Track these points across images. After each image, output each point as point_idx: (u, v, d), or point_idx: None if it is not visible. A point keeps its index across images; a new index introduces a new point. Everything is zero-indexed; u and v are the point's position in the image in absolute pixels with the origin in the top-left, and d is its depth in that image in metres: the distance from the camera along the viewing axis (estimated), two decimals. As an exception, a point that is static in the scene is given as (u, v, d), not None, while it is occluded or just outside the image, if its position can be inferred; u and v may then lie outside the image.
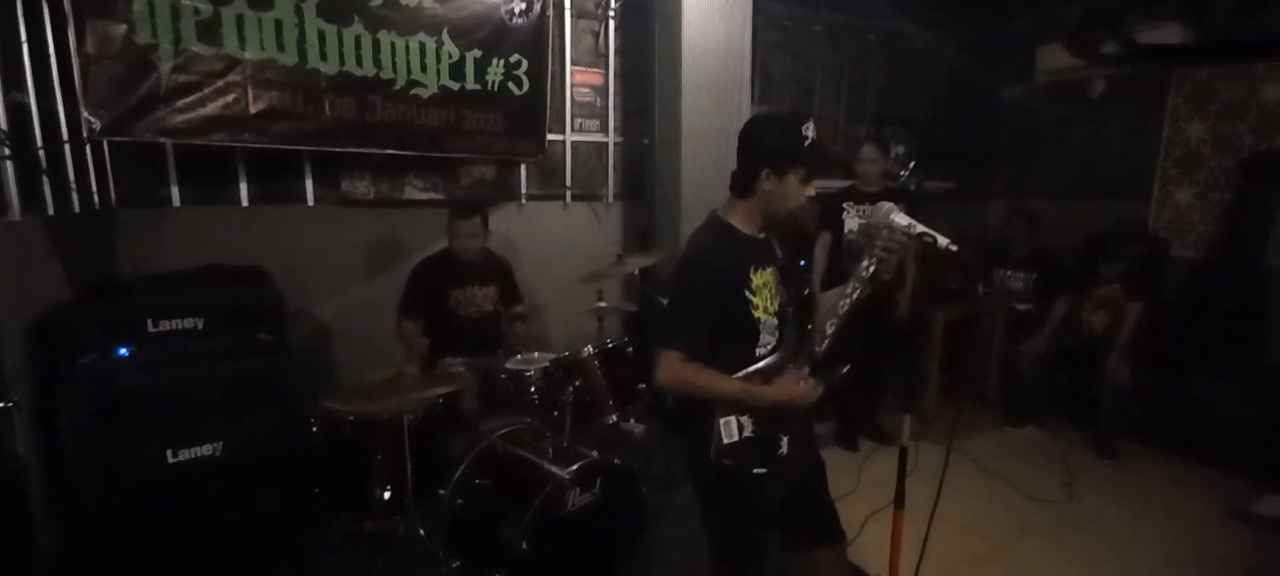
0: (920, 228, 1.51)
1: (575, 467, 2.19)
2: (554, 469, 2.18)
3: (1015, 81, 4.74)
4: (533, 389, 2.63)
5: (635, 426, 2.98)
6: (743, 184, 1.62)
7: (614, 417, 2.61)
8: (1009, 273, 4.30)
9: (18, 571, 1.90)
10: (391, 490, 2.47)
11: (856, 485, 3.06)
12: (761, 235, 1.68)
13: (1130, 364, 3.50)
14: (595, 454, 2.30)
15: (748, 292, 1.59)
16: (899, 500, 1.64)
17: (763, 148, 1.59)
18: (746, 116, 3.55)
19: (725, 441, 1.58)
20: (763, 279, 1.63)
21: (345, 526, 2.52)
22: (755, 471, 1.61)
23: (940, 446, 3.58)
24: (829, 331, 1.60)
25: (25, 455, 2.03)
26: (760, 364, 1.60)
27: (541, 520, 2.11)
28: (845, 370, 1.69)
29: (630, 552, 2.41)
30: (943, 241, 1.48)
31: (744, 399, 1.57)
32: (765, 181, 1.57)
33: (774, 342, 1.65)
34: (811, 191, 1.61)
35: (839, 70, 4.57)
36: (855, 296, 1.58)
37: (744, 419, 1.59)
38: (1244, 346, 3.66)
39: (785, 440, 1.64)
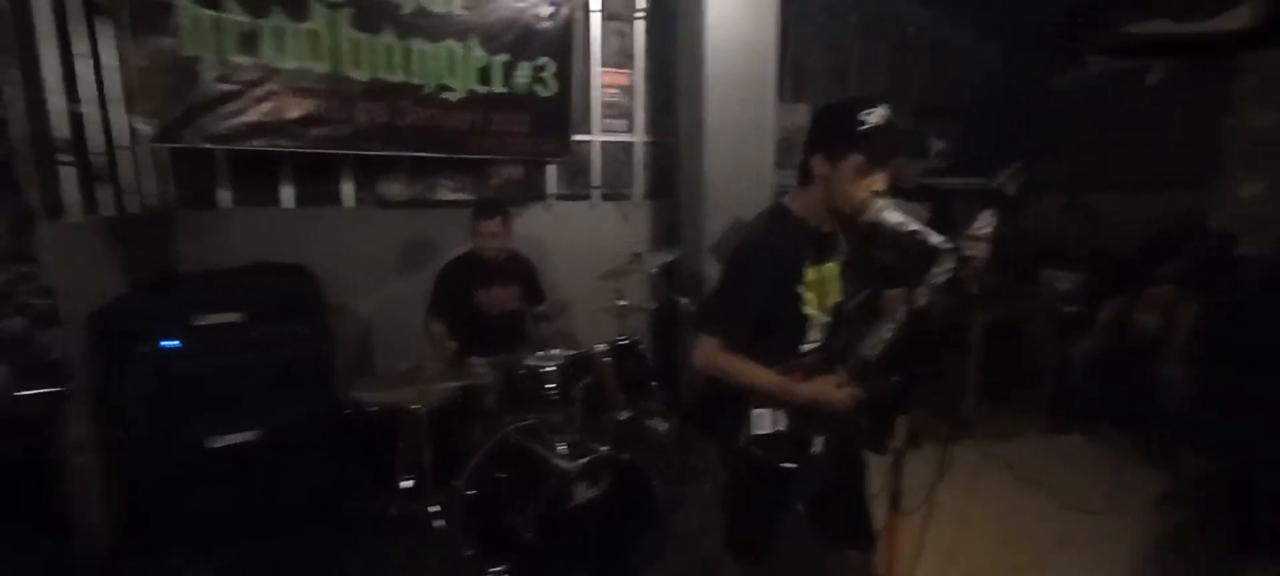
0: (913, 225, 1.46)
1: (582, 462, 2.22)
2: (561, 463, 2.23)
3: (1066, 69, 4.50)
4: (550, 385, 2.69)
5: (659, 424, 3.00)
6: (802, 170, 1.58)
7: (627, 413, 2.63)
8: (1057, 272, 4.09)
9: (56, 545, 2.09)
10: (413, 478, 2.57)
11: (881, 487, 2.99)
12: (826, 228, 1.60)
13: (1186, 368, 3.28)
14: (604, 449, 2.34)
15: (800, 287, 1.55)
16: (894, 503, 1.60)
17: (816, 131, 1.56)
18: (772, 116, 3.52)
19: (757, 432, 1.58)
20: (820, 274, 1.58)
21: (373, 511, 2.64)
22: (784, 465, 1.59)
23: (975, 452, 3.46)
24: (885, 337, 1.52)
25: (82, 438, 2.23)
26: (803, 361, 1.58)
27: (548, 512, 2.16)
28: (894, 380, 1.62)
29: (638, 546, 2.43)
30: (934, 239, 1.42)
31: (778, 393, 1.54)
32: (819, 167, 1.51)
33: (826, 341, 1.61)
34: (878, 183, 1.48)
35: (877, 61, 4.45)
36: (920, 304, 1.47)
37: (779, 413, 1.57)
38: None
39: (820, 439, 1.62)
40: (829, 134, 1.52)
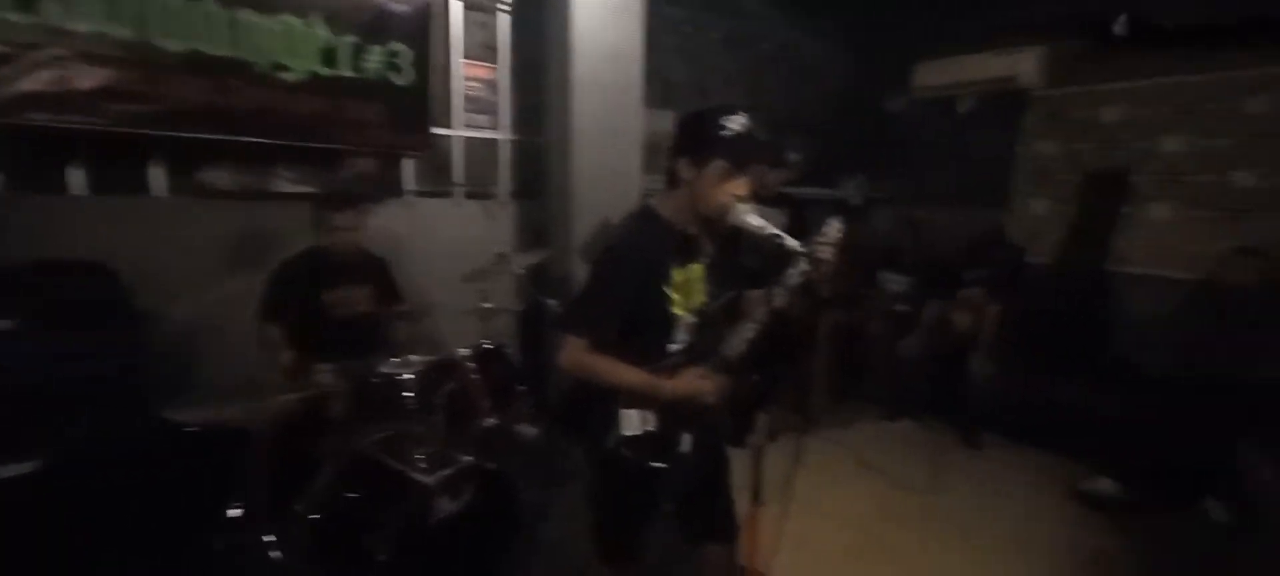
0: (771, 229, 1.53)
1: (444, 474, 2.10)
2: (420, 476, 2.08)
3: (897, 95, 5.02)
4: (409, 393, 2.51)
5: (527, 429, 2.92)
6: (669, 174, 1.60)
7: (493, 420, 2.53)
8: (892, 276, 4.56)
9: None
10: (243, 506, 2.28)
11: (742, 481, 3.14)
12: (691, 230, 1.63)
13: (993, 361, 3.78)
14: (468, 459, 2.22)
15: (667, 287, 1.56)
16: (755, 495, 1.67)
17: (681, 136, 1.59)
18: (639, 120, 3.57)
19: (625, 433, 1.58)
20: (686, 275, 1.61)
21: (192, 547, 2.30)
22: (652, 465, 1.60)
23: (825, 442, 3.74)
24: (747, 336, 1.58)
25: None
26: (669, 361, 1.59)
27: (406, 530, 2.01)
28: (755, 378, 1.68)
29: (507, 558, 2.34)
30: (790, 243, 1.50)
31: (646, 392, 1.55)
32: (685, 171, 1.54)
33: (691, 341, 1.63)
34: (740, 188, 1.52)
35: (736, 77, 4.68)
36: (777, 304, 1.54)
37: (647, 413, 1.58)
38: (1088, 344, 4.05)
39: (687, 438, 1.64)
40: (694, 139, 1.56)
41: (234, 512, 2.25)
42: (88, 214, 2.69)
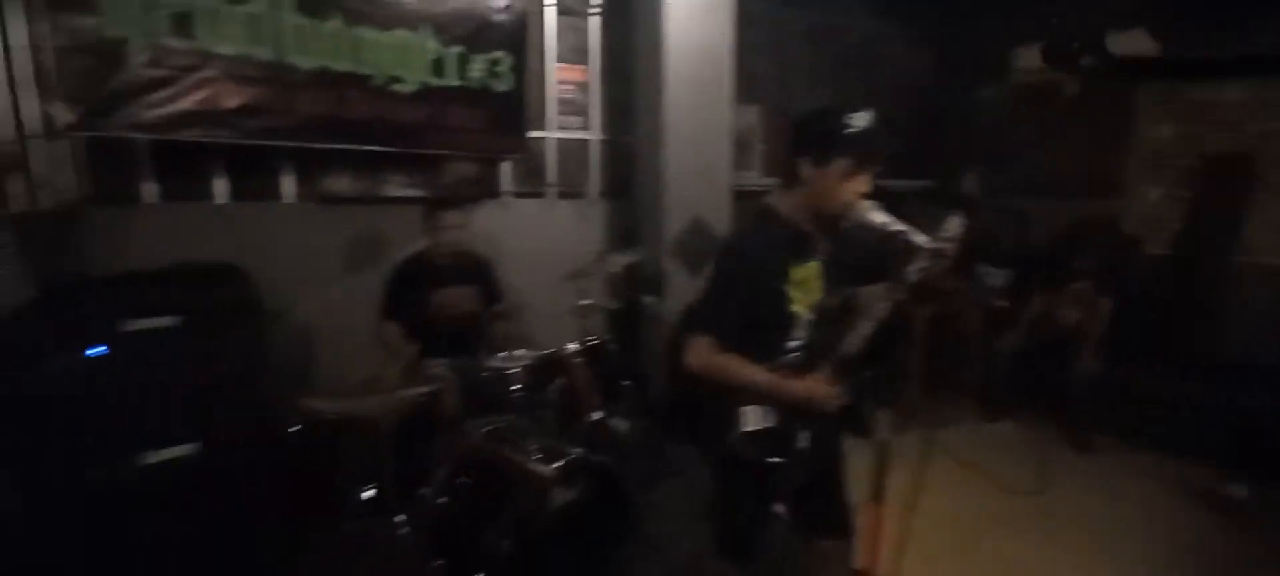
0: (897, 226, 1.52)
1: (558, 466, 2.18)
2: (537, 467, 2.18)
3: (991, 82, 4.81)
4: (516, 388, 2.62)
5: (621, 424, 2.99)
6: (788, 173, 1.61)
7: (599, 414, 2.61)
8: (989, 270, 4.37)
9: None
10: (373, 490, 2.45)
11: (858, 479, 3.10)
12: (808, 227, 1.64)
13: (1102, 358, 3.58)
14: (580, 452, 2.30)
15: (785, 286, 1.59)
16: (877, 495, 1.67)
17: (802, 135, 1.59)
18: (728, 116, 3.58)
19: (745, 428, 1.60)
20: (805, 273, 1.62)
21: (326, 528, 2.50)
22: (771, 460, 1.62)
23: (918, 440, 3.64)
24: (865, 332, 1.59)
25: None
26: (790, 358, 1.61)
27: (525, 519, 2.11)
28: (869, 376, 1.69)
29: (618, 551, 2.41)
30: (918, 239, 1.49)
31: (771, 392, 1.58)
32: (805, 170, 1.56)
33: (809, 338, 1.65)
34: (863, 185, 1.54)
35: (820, 70, 4.60)
36: (899, 300, 1.54)
37: (767, 409, 1.60)
38: (1209, 340, 3.77)
39: (806, 433, 1.65)
40: (816, 138, 1.56)
41: (368, 494, 2.42)
42: (225, 220, 2.94)
